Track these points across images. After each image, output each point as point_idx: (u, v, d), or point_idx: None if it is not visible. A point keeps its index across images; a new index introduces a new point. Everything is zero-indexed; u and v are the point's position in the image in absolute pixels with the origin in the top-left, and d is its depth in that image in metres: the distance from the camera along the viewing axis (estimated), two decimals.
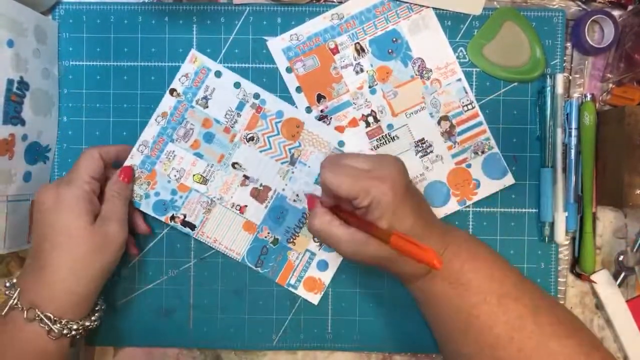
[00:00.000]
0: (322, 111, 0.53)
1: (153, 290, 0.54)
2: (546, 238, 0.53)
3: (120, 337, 0.54)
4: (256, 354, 0.55)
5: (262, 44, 0.54)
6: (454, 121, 0.53)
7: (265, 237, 0.53)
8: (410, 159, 0.53)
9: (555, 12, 0.53)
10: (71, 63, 0.54)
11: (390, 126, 0.53)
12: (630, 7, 0.53)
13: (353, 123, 0.54)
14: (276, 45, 0.53)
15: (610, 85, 0.54)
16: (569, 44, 0.54)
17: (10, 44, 0.46)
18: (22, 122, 0.48)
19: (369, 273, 0.54)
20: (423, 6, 0.53)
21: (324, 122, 0.53)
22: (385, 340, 0.54)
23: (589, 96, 0.52)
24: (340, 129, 0.54)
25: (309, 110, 0.54)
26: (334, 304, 0.54)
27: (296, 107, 0.54)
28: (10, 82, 0.46)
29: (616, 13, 0.53)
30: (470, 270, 0.43)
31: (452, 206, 0.54)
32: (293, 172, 0.53)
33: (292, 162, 0.53)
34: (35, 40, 0.50)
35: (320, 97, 0.53)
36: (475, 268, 0.43)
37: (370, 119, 0.54)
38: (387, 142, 0.54)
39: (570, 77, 0.54)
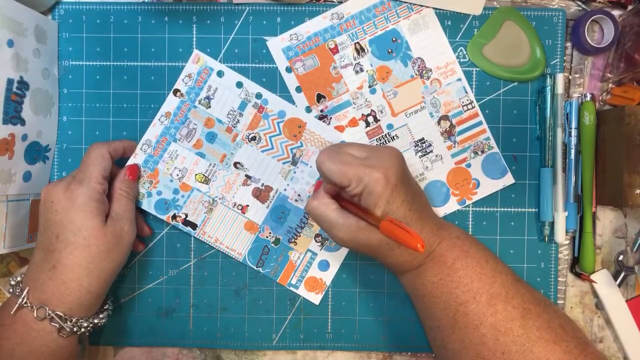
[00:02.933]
0: (321, 111, 0.53)
1: (153, 290, 0.54)
2: (546, 238, 0.53)
3: (120, 336, 0.54)
4: (256, 354, 0.55)
5: (262, 43, 0.54)
6: (453, 121, 0.53)
7: (267, 237, 0.53)
8: (410, 158, 0.53)
9: (555, 12, 0.53)
10: (71, 63, 0.54)
11: (390, 126, 0.53)
12: (630, 7, 0.53)
13: (353, 123, 0.54)
14: (276, 45, 0.53)
15: (610, 85, 0.54)
16: (569, 44, 0.54)
17: (10, 43, 0.46)
18: (22, 122, 0.48)
19: (368, 273, 0.54)
20: (423, 6, 0.53)
21: (323, 122, 0.53)
22: (386, 340, 0.54)
23: (588, 96, 0.52)
24: (340, 129, 0.54)
25: (308, 110, 0.54)
26: (334, 304, 0.54)
27: (296, 107, 0.54)
28: (10, 81, 0.46)
29: (616, 13, 0.53)
30: (461, 267, 0.43)
31: (451, 206, 0.54)
32: (295, 172, 0.53)
33: (294, 162, 0.53)
34: (35, 40, 0.50)
35: (320, 97, 0.53)
36: (467, 266, 0.44)
37: (370, 119, 0.54)
38: (387, 141, 0.54)
39: (570, 77, 0.54)
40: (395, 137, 0.54)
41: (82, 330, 0.45)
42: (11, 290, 0.45)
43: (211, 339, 0.54)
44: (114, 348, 0.55)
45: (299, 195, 0.53)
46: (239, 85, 0.53)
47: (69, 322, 0.44)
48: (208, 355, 0.55)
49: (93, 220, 0.45)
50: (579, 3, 0.54)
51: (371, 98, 0.53)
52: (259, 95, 0.53)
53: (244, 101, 0.53)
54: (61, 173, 0.54)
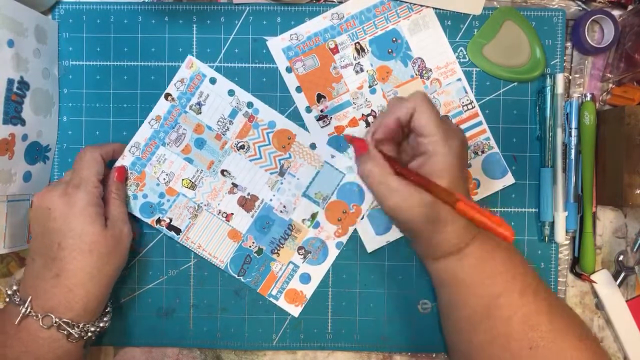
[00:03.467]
0: (322, 111, 0.53)
1: (153, 290, 0.54)
2: (546, 238, 0.53)
3: (120, 337, 0.54)
4: (256, 354, 0.55)
5: (262, 43, 0.54)
6: (454, 121, 0.53)
7: (250, 246, 0.53)
8: None
9: (555, 12, 0.53)
10: (71, 63, 0.54)
11: None
12: (630, 7, 0.53)
13: (353, 123, 0.54)
14: (276, 44, 0.53)
15: (610, 85, 0.54)
16: (569, 44, 0.54)
17: (11, 43, 0.46)
18: (22, 122, 0.48)
19: (369, 273, 0.54)
20: (423, 6, 0.53)
21: (323, 122, 0.54)
22: (385, 340, 0.54)
23: (588, 96, 0.52)
24: (340, 129, 0.54)
25: (308, 110, 0.54)
26: (334, 304, 0.54)
27: (296, 106, 0.54)
28: (10, 81, 0.46)
29: (616, 13, 0.53)
30: (498, 256, 0.43)
31: None
32: (281, 183, 0.53)
33: (282, 173, 0.53)
34: (35, 40, 0.50)
35: (320, 97, 0.53)
36: (502, 255, 0.43)
37: (370, 119, 0.54)
38: None
39: (570, 77, 0.54)
40: None
41: (89, 334, 0.45)
42: (8, 300, 0.45)
43: (211, 339, 0.54)
44: (114, 348, 0.55)
45: (284, 206, 0.53)
46: (231, 93, 0.53)
47: (76, 328, 0.44)
48: (208, 356, 0.55)
49: (93, 225, 0.44)
50: (579, 3, 0.54)
51: (371, 98, 0.53)
52: (250, 105, 0.53)
53: (235, 109, 0.53)
54: (61, 173, 0.54)
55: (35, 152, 0.51)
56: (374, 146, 0.44)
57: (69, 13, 0.54)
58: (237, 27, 0.54)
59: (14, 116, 0.47)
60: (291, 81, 0.54)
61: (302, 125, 0.54)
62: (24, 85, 0.48)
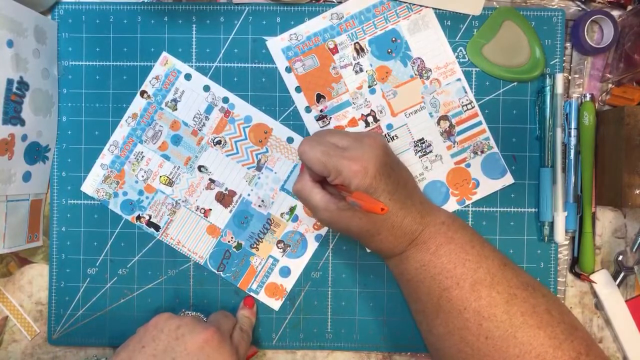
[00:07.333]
0: (321, 111, 0.54)
1: (152, 290, 0.54)
2: (546, 238, 0.53)
3: (119, 337, 0.54)
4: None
5: (262, 43, 0.54)
6: (453, 121, 0.53)
7: (229, 241, 0.54)
8: (409, 158, 0.53)
9: (554, 12, 0.53)
10: (71, 63, 0.54)
11: (389, 126, 0.54)
12: (629, 7, 0.53)
13: (352, 123, 0.54)
14: (276, 44, 0.53)
15: (610, 85, 0.54)
16: (568, 44, 0.54)
17: (10, 44, 0.46)
18: (22, 122, 0.48)
19: (368, 272, 0.54)
20: (422, 6, 0.53)
21: (323, 122, 0.54)
22: (385, 340, 0.54)
23: (588, 96, 0.52)
24: (339, 129, 0.54)
25: (308, 110, 0.54)
26: (334, 304, 0.54)
27: (295, 107, 0.54)
28: (10, 82, 0.46)
29: (616, 13, 0.53)
30: (444, 254, 0.44)
31: (451, 206, 0.54)
32: (259, 178, 0.53)
33: (259, 167, 0.53)
34: (34, 40, 0.50)
35: (319, 97, 0.53)
36: (450, 252, 0.44)
37: (370, 119, 0.54)
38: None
39: (570, 77, 0.54)
40: (394, 137, 0.54)
41: None
42: None
43: None
44: (113, 348, 0.55)
45: (262, 200, 0.53)
46: (206, 88, 0.53)
47: None
48: None
49: None
50: (579, 3, 0.54)
51: (371, 98, 0.53)
52: (225, 100, 0.53)
53: (211, 105, 0.53)
54: (61, 173, 0.54)
55: (35, 152, 0.51)
56: (307, 171, 0.47)
57: (68, 13, 0.54)
58: (237, 27, 0.54)
59: (13, 116, 0.47)
60: (291, 81, 0.54)
61: (302, 125, 0.54)
62: (23, 85, 0.48)
